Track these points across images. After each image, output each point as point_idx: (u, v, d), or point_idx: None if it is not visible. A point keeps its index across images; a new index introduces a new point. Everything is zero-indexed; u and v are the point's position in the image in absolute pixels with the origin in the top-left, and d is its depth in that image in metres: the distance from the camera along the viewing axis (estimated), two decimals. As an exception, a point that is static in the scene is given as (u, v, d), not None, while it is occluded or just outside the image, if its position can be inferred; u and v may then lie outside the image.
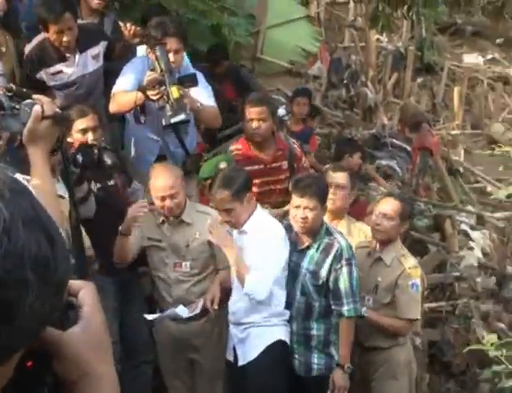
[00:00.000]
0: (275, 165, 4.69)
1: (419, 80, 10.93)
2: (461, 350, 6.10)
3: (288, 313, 3.88)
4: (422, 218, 7.40)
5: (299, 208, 3.84)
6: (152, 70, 4.23)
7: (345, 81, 9.40)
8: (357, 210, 4.91)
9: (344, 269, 3.82)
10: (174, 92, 4.14)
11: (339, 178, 4.33)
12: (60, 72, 4.52)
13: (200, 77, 4.45)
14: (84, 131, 4.03)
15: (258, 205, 3.95)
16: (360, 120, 8.88)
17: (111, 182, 4.18)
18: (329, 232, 3.91)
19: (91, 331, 0.99)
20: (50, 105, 2.12)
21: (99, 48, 4.62)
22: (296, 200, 3.87)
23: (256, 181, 4.32)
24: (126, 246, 3.93)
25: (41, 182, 2.04)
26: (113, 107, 4.42)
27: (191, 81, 4.25)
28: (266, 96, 5.08)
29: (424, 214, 7.42)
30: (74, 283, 1.01)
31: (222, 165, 4.28)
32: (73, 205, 2.47)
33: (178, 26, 4.44)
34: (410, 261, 4.22)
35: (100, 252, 3.78)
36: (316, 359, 3.92)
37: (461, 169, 9.28)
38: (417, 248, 6.80)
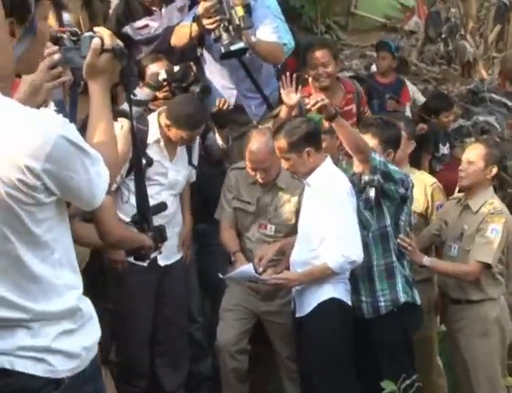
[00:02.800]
0: (346, 109, 4.63)
1: (525, 33, 10.35)
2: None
3: None
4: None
5: None
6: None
7: (443, 35, 9.04)
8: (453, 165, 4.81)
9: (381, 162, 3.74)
10: (239, 10, 4.06)
11: None
12: (146, 26, 4.53)
13: (268, 12, 4.42)
14: (158, 74, 4.06)
15: (328, 157, 3.87)
16: (458, 75, 8.56)
17: None
18: None
19: None
20: (110, 38, 2.08)
21: (184, 1, 4.58)
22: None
23: None
24: None
25: (99, 118, 2.02)
26: (173, 40, 4.41)
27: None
28: (325, 39, 4.95)
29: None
30: None
31: (326, 124, 4.02)
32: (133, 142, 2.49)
33: None
34: (496, 207, 4.10)
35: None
36: (381, 297, 3.83)
37: None
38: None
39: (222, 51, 4.18)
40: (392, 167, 3.77)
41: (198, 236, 4.40)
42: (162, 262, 4.00)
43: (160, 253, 3.10)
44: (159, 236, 2.94)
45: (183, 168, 4.14)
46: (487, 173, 4.15)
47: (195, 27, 4.24)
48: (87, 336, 1.96)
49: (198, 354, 4.40)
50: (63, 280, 1.90)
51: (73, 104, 2.33)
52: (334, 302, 3.74)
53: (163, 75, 4.04)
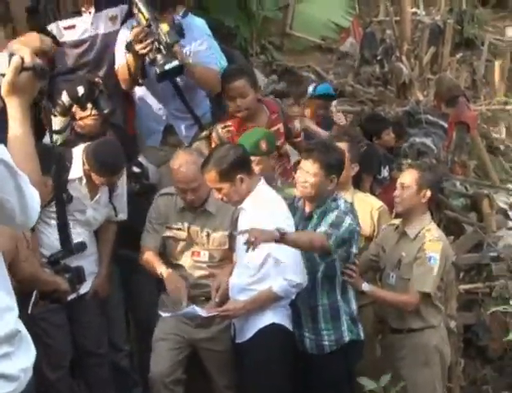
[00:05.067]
0: (273, 129, 4.46)
1: (459, 55, 10.53)
2: (498, 334, 5.84)
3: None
4: (458, 197, 7.13)
5: (302, 171, 3.72)
6: (137, 25, 4.08)
7: (379, 57, 9.08)
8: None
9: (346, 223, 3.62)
10: (164, 27, 3.99)
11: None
12: (73, 27, 4.32)
13: (203, 32, 4.32)
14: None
15: (262, 179, 3.75)
16: (393, 97, 8.59)
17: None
18: (335, 201, 3.74)
19: None
20: (30, 56, 2.02)
21: (117, 11, 4.40)
22: (301, 162, 3.77)
23: None
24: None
25: (20, 137, 1.97)
26: (122, 85, 4.33)
27: (179, 32, 4.11)
28: (241, 66, 4.80)
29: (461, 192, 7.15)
30: None
31: (264, 145, 4.02)
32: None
33: None
34: (434, 234, 4.06)
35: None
36: (326, 336, 3.75)
37: (502, 147, 8.92)
38: (453, 228, 6.58)
39: (157, 72, 4.09)
40: (342, 232, 3.59)
41: (121, 260, 4.29)
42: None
43: (78, 294, 2.91)
44: (77, 277, 2.79)
45: (103, 206, 4.04)
46: (421, 198, 4.09)
47: (130, 58, 4.18)
48: (25, 358, 1.97)
49: (125, 383, 4.30)
50: (0, 303, 1.90)
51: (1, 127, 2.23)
52: (274, 327, 3.67)
53: (66, 100, 3.92)
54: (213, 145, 4.30)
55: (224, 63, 4.60)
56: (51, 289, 2.69)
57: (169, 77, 4.21)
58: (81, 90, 3.89)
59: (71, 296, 2.96)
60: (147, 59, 4.12)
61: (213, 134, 4.38)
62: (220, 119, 4.46)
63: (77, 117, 4.00)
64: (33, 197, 1.92)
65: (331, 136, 4.78)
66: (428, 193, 4.09)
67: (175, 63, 4.05)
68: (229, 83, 4.32)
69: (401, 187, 4.10)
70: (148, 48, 4.04)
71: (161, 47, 4.03)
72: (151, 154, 4.33)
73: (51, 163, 2.69)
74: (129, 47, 4.11)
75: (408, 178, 4.11)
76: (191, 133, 4.55)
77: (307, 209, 3.80)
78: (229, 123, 4.37)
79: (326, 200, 3.74)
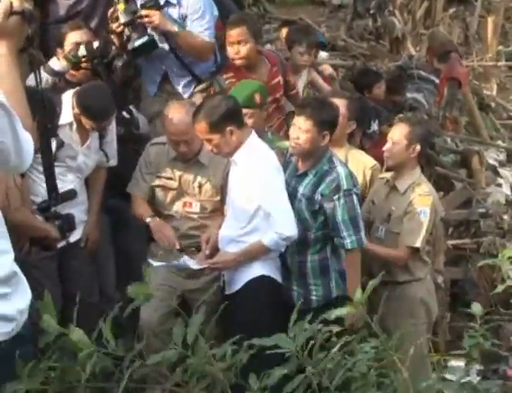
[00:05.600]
0: (273, 82, 4.48)
1: (452, 10, 10.40)
2: (485, 289, 5.90)
3: None
4: (448, 153, 7.13)
5: (295, 127, 3.69)
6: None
7: (372, 11, 8.96)
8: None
9: (342, 200, 3.64)
10: (120, 6, 4.04)
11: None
12: None
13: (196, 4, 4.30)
14: (78, 45, 3.94)
15: (253, 132, 3.72)
16: (386, 52, 8.51)
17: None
18: (331, 161, 3.73)
19: None
20: (19, 0, 2.01)
21: None
22: (295, 118, 3.74)
23: None
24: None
25: (9, 82, 1.96)
26: None
27: (155, 2, 4.13)
28: (244, 15, 4.78)
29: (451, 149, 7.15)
30: None
31: (258, 97, 3.98)
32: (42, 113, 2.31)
33: None
34: (424, 188, 4.07)
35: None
36: (313, 291, 3.77)
37: (493, 104, 8.88)
38: (442, 184, 6.59)
39: (129, 48, 4.14)
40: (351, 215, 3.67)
41: (110, 210, 4.29)
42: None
43: (68, 242, 2.90)
44: (67, 225, 2.78)
45: (94, 152, 4.00)
46: (411, 152, 4.09)
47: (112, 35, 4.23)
48: (21, 299, 2.01)
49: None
50: None
51: None
52: (263, 279, 3.69)
53: (82, 51, 3.97)
54: None
55: (216, 13, 4.56)
56: (42, 236, 2.69)
57: (144, 52, 4.22)
58: (96, 44, 3.96)
59: (61, 244, 2.94)
60: (125, 37, 4.14)
61: (214, 85, 4.40)
62: (222, 70, 4.46)
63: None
64: (28, 141, 1.94)
65: (329, 91, 4.71)
66: (418, 148, 4.08)
67: (145, 39, 4.10)
68: (230, 29, 4.34)
69: (392, 142, 4.10)
70: (120, 28, 4.10)
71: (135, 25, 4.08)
72: (147, 105, 4.31)
73: (36, 107, 2.68)
74: (108, 28, 4.18)
75: (398, 132, 4.11)
76: (188, 91, 4.53)
77: (301, 166, 3.79)
78: (231, 74, 4.38)
79: (321, 159, 3.73)
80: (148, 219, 3.91)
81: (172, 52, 4.36)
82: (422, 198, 4.04)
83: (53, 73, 3.92)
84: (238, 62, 4.36)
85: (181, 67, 4.43)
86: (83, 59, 3.98)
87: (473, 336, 2.32)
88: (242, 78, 4.33)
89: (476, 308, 2.64)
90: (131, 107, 4.27)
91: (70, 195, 3.60)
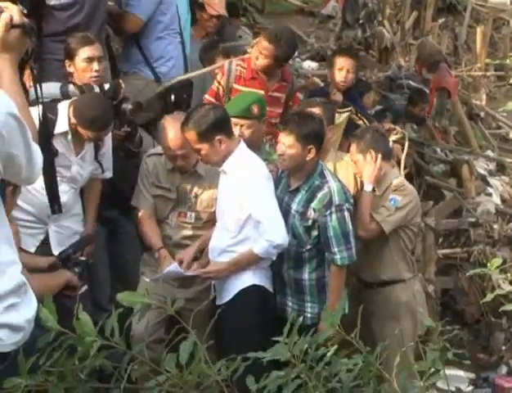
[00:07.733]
0: (276, 95, 4.53)
1: (441, 21, 10.45)
2: (475, 298, 5.90)
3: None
4: (438, 163, 7.14)
5: (280, 143, 3.72)
6: None
7: (361, 21, 8.97)
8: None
9: (334, 216, 3.63)
10: None
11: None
12: None
13: None
14: (90, 60, 3.96)
15: (242, 142, 3.73)
16: (375, 62, 8.51)
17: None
18: (322, 175, 3.73)
19: None
20: (19, 14, 2.02)
21: None
22: (279, 134, 3.77)
23: None
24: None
25: (11, 94, 1.95)
26: None
27: None
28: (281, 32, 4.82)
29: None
30: None
31: (255, 109, 3.97)
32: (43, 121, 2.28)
33: None
34: (399, 184, 4.24)
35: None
36: (309, 308, 3.76)
37: (482, 114, 8.91)
38: (432, 194, 6.60)
39: None
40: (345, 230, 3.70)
41: (108, 223, 4.32)
42: (56, 251, 3.78)
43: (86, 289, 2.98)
44: (86, 270, 2.87)
45: (88, 163, 3.99)
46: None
47: None
48: (29, 309, 2.04)
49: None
50: (4, 257, 1.94)
51: None
52: (254, 289, 3.69)
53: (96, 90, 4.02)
54: (220, 75, 4.53)
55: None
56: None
57: None
58: (107, 86, 4.02)
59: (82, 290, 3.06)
60: None
61: (226, 65, 4.52)
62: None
63: (75, 75, 4.04)
64: (38, 153, 1.96)
65: (303, 103, 4.69)
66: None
67: None
68: (264, 41, 4.49)
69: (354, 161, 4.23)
70: None
71: None
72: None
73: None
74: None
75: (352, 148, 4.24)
76: None
77: (293, 182, 3.80)
78: (245, 64, 4.52)
79: (313, 173, 3.73)
80: (157, 253, 3.92)
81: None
82: (396, 191, 4.15)
83: (67, 95, 3.95)
84: (259, 69, 4.52)
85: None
86: None
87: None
88: (252, 73, 4.51)
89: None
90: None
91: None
